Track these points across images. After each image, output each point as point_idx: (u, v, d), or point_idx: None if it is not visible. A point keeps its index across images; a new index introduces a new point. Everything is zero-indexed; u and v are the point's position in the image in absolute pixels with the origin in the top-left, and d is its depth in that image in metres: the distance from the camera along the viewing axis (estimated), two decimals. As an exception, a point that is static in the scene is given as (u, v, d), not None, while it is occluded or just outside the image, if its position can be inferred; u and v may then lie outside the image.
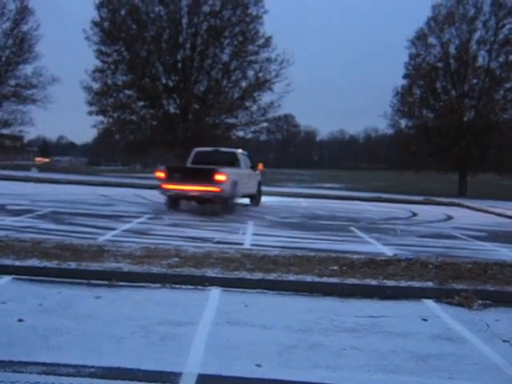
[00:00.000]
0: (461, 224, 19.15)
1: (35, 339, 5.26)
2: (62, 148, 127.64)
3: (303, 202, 24.20)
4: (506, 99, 41.17)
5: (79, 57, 51.21)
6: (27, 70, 46.10)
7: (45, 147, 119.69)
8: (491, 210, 25.23)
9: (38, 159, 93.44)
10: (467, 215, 23.59)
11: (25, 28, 45.08)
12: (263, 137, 59.75)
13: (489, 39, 40.61)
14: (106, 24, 42.52)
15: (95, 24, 42.32)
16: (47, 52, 50.37)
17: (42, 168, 61.76)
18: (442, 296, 7.59)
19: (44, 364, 4.64)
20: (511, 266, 9.41)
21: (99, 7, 42.19)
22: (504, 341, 5.94)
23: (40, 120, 72.62)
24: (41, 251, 8.86)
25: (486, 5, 40.38)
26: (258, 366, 4.86)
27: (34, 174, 45.34)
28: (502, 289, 7.91)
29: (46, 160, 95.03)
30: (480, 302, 7.44)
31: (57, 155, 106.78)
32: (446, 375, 4.87)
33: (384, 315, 6.70)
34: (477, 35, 40.87)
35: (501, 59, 40.71)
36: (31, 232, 11.91)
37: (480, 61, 41.43)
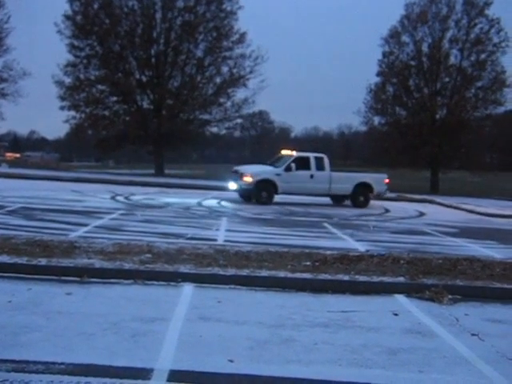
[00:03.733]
0: (432, 220, 19.38)
1: (4, 336, 5.19)
2: (34, 143, 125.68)
3: (277, 197, 24.23)
4: (477, 97, 41.73)
5: (51, 51, 50.54)
6: (-3, 63, 45.22)
7: (15, 142, 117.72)
8: (462, 206, 25.57)
9: (9, 154, 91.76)
10: (439, 211, 23.89)
11: (-5, 21, 44.18)
12: (237, 133, 59.87)
13: (461, 38, 41.12)
14: (78, 18, 42.02)
15: (67, 17, 41.79)
16: (18, 45, 49.39)
17: (13, 163, 60.76)
18: (413, 291, 7.68)
19: (13, 361, 4.58)
20: (481, 262, 9.57)
21: (71, 0, 41.66)
22: (473, 334, 6.04)
23: (11, 114, 71.43)
24: (11, 247, 8.72)
25: (458, 4, 40.91)
26: (231, 361, 4.87)
27: (3, 169, 44.58)
28: (472, 284, 8.05)
29: (17, 155, 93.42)
30: (450, 296, 7.56)
31: (28, 150, 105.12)
32: (416, 369, 4.93)
33: (356, 310, 6.76)
34: (449, 34, 41.41)
35: (472, 58, 41.26)
36: (1, 228, 11.71)
37: (452, 59, 41.99)
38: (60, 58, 42.73)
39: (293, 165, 22.17)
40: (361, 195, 22.97)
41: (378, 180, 23.41)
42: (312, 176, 22.26)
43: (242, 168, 23.14)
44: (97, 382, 4.26)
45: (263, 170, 22.70)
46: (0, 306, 6.15)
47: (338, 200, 23.68)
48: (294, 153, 23.12)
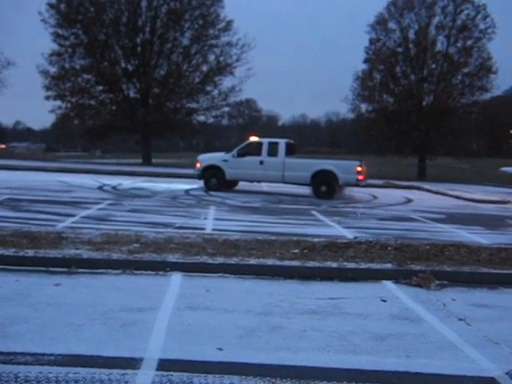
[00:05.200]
0: (420, 207, 19.49)
1: (-8, 328, 5.16)
2: (19, 134, 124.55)
3: (264, 186, 24.24)
4: (464, 84, 41.86)
5: (36, 40, 50.01)
6: (-20, 53, 44.70)
7: (1, 133, 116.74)
8: (449, 192, 25.74)
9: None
10: (426, 198, 24.03)
11: (-23, 10, 43.64)
12: (225, 121, 59.71)
13: (447, 25, 41.16)
14: (62, 6, 41.59)
15: (51, 6, 41.37)
16: (1, 35, 48.84)
17: (-2, 154, 60.23)
18: (400, 277, 7.73)
19: (1, 353, 4.56)
20: (467, 247, 9.64)
21: (55, -11, 41.20)
22: (460, 319, 6.09)
23: (-5, 105, 70.58)
24: (-3, 239, 8.67)
25: (444, -10, 40.88)
26: (220, 349, 4.88)
27: (-11, 160, 44.21)
28: (459, 269, 8.11)
29: (2, 146, 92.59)
30: (437, 282, 7.62)
31: (13, 141, 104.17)
32: (403, 354, 4.97)
33: (344, 297, 6.80)
34: (435, 20, 41.42)
35: (459, 44, 41.34)
36: (-13, 220, 11.63)
37: (439, 46, 42.02)
38: (44, 48, 42.35)
39: (243, 151, 21.71)
40: (322, 184, 20.71)
41: (345, 167, 20.69)
42: (262, 162, 21.20)
43: (199, 156, 23.29)
44: (86, 373, 4.25)
45: (211, 157, 22.77)
46: (-13, 298, 6.12)
47: (319, 192, 20.95)
48: (257, 139, 22.35)
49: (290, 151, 21.93)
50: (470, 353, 5.07)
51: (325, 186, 20.70)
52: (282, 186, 23.04)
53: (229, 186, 22.64)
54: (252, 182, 22.60)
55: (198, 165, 22.32)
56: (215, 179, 21.89)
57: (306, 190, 21.67)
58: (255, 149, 21.64)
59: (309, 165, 21.07)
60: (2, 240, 8.63)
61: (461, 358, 4.96)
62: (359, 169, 20.50)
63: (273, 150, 21.28)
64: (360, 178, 20.56)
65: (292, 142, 23.13)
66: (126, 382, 4.15)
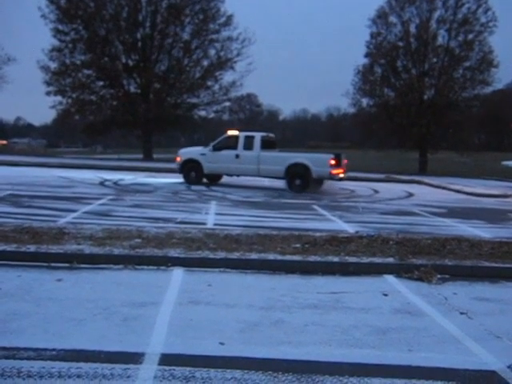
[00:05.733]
0: (421, 201, 19.48)
1: (-6, 324, 5.18)
2: (20, 130, 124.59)
3: (266, 181, 24.22)
4: (465, 78, 41.74)
5: (36, 36, 49.93)
6: (-19, 49, 44.65)
7: (1, 129, 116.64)
8: (450, 186, 25.72)
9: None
10: (427, 192, 24.01)
11: (-23, 6, 43.56)
12: (226, 116, 59.64)
13: (448, 18, 41.02)
14: (62, 1, 41.50)
15: (51, 1, 41.26)
16: (1, 31, 48.80)
17: None
18: (402, 271, 7.74)
19: (4, 348, 4.57)
20: (469, 241, 9.64)
21: (55, -16, 41.09)
22: (461, 313, 6.10)
23: (-4, 101, 70.63)
24: (-1, 235, 8.68)
25: (445, -17, 40.74)
26: (222, 344, 4.89)
27: (-10, 156, 44.23)
28: (460, 263, 8.11)
29: (3, 142, 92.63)
30: (439, 276, 7.62)
31: (14, 137, 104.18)
32: (405, 348, 4.98)
33: (346, 291, 6.80)
34: (437, 14, 41.26)
35: (460, 38, 41.19)
36: (-11, 215, 11.64)
37: (440, 40, 41.88)
38: (45, 43, 42.29)
39: (220, 144, 21.77)
40: (296, 178, 20.46)
41: (318, 161, 20.32)
42: (237, 156, 21.20)
43: (180, 150, 23.49)
44: (88, 368, 4.26)
45: (191, 151, 22.89)
46: (-11, 294, 6.13)
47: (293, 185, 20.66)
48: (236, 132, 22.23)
49: (267, 145, 21.90)
50: (472, 346, 5.08)
51: (299, 180, 20.58)
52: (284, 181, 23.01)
53: (212, 179, 22.93)
54: (230, 175, 22.73)
55: (178, 159, 22.65)
56: (194, 173, 22.08)
57: (282, 184, 21.65)
58: (232, 142, 21.72)
59: (283, 158, 20.97)
60: (3, 236, 8.64)
61: (462, 351, 4.96)
62: (332, 162, 20.22)
63: (248, 144, 21.30)
64: (334, 171, 20.31)
65: (270, 135, 23.20)
66: (128, 376, 4.16)
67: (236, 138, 21.68)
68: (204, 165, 21.77)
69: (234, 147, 21.38)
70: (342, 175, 21.21)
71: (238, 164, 21.29)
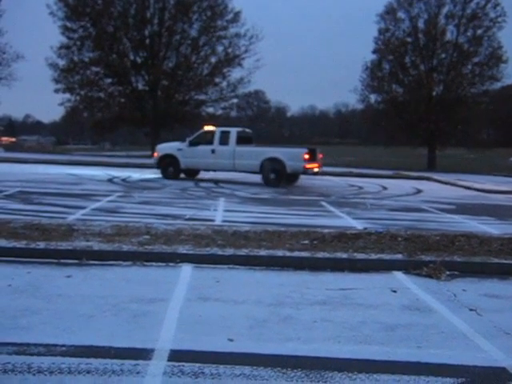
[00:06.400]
0: (430, 197, 19.42)
1: (5, 320, 5.21)
2: (29, 127, 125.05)
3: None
4: (474, 73, 41.51)
5: (44, 33, 50.09)
6: (-11, 46, 44.74)
7: (11, 126, 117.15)
8: (459, 183, 25.63)
9: (4, 139, 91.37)
10: (436, 188, 23.93)
11: (-14, 4, 43.63)
12: (233, 113, 59.51)
13: (457, 14, 40.79)
14: (70, -1, 41.53)
15: (59, -1, 41.30)
16: (10, 28, 49.00)
17: (9, 148, 60.56)
18: (411, 268, 7.72)
19: (14, 344, 4.60)
20: (478, 237, 9.60)
21: (63, -19, 41.13)
22: (471, 310, 6.08)
23: (5, 98, 71.13)
24: (9, 232, 8.73)
25: (453, -22, 40.51)
26: (231, 340, 4.90)
27: None
28: (469, 260, 8.08)
29: (13, 139, 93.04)
30: (448, 272, 7.60)
31: (23, 134, 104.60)
32: (414, 344, 4.97)
33: (354, 287, 6.79)
34: (445, 10, 41.05)
35: (469, 34, 40.96)
36: (-2, 212, 11.70)
37: (448, 35, 41.67)
38: (53, 41, 42.39)
39: (196, 140, 22.02)
40: (271, 172, 20.73)
41: (292, 155, 20.55)
42: (213, 151, 21.47)
43: (158, 145, 23.84)
44: (98, 363, 4.28)
45: (168, 146, 23.11)
46: (0, 290, 6.17)
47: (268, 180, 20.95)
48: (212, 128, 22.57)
49: (243, 140, 22.11)
50: (481, 343, 5.06)
51: (273, 174, 20.81)
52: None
53: (190, 174, 23.26)
54: (207, 170, 22.91)
55: (156, 154, 23.00)
56: (172, 168, 22.35)
57: (258, 178, 21.78)
58: (208, 138, 22.02)
59: (258, 153, 21.24)
60: (13, 232, 8.69)
61: (472, 348, 4.95)
62: (306, 156, 20.40)
63: (224, 139, 21.56)
64: (308, 165, 20.52)
65: (247, 130, 23.53)
66: (137, 372, 4.17)
67: (212, 133, 22.03)
68: (181, 160, 22.07)
69: (210, 142, 21.70)
70: (316, 169, 21.56)
71: (214, 159, 21.59)
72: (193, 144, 21.84)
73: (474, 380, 4.30)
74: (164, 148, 23.00)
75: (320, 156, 21.84)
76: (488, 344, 5.03)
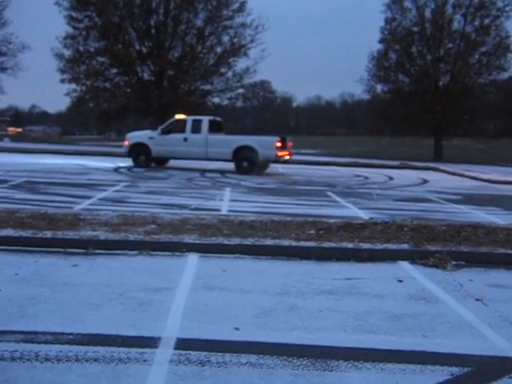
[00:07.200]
0: (436, 187, 19.37)
1: (12, 308, 5.24)
2: (35, 117, 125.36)
3: (280, 167, 24.21)
4: (481, 63, 41.21)
5: (50, 23, 50.04)
6: (-5, 37, 44.76)
7: (17, 117, 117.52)
8: (466, 173, 25.54)
9: (11, 129, 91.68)
10: (442, 179, 23.86)
11: (-9, -6, 43.60)
12: (239, 103, 59.31)
13: (464, 3, 40.41)
14: (75, -12, 41.42)
15: (65, -12, 41.19)
16: (16, 18, 48.96)
17: (15, 138, 60.71)
18: (417, 258, 7.71)
19: (22, 332, 4.63)
20: (484, 228, 9.58)
21: (68, -29, 40.99)
22: (477, 299, 6.07)
23: (11, 89, 71.25)
24: (15, 221, 8.76)
25: (461, -33, 40.13)
26: (237, 329, 4.91)
27: (6, 144, 44.59)
28: (476, 250, 8.06)
29: (19, 130, 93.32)
30: (454, 262, 7.58)
31: (30, 125, 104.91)
32: (420, 334, 4.97)
33: (360, 277, 6.79)
34: (452, -1, 40.70)
35: (476, 23, 40.60)
36: (5, 202, 11.76)
37: (455, 25, 41.29)
38: (59, 31, 42.35)
39: (168, 128, 22.19)
40: (244, 160, 21.20)
41: (264, 143, 21.00)
42: (186, 139, 21.71)
43: (128, 134, 23.90)
44: (105, 351, 4.31)
45: (139, 134, 23.19)
46: (7, 279, 6.20)
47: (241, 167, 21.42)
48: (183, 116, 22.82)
49: (214, 128, 22.36)
50: (487, 333, 5.06)
51: (246, 162, 21.23)
52: (298, 168, 22.99)
53: (160, 162, 23.47)
54: (178, 159, 22.98)
55: (126, 142, 23.07)
56: (143, 156, 22.50)
57: (231, 166, 21.97)
58: (179, 126, 22.21)
59: (230, 141, 21.64)
60: (20, 222, 8.72)
61: (477, 337, 4.95)
62: (278, 144, 20.82)
63: (196, 127, 21.84)
64: (279, 153, 20.95)
65: (218, 119, 23.72)
66: (144, 360, 4.19)
67: (184, 121, 22.26)
68: (152, 148, 22.24)
69: (182, 131, 21.89)
70: (287, 157, 21.98)
71: (187, 147, 21.83)
72: (165, 132, 22.06)
73: (479, 369, 4.30)
74: (135, 136, 23.09)
75: (290, 144, 22.28)
76: (494, 334, 5.03)
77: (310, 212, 11.88)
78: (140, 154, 22.55)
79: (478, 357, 4.51)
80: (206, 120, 22.06)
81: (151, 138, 22.26)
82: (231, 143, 21.39)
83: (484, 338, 4.92)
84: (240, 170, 21.28)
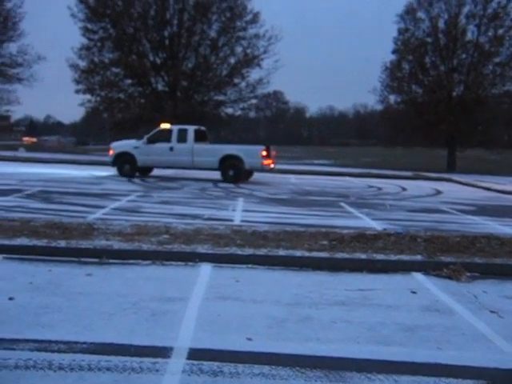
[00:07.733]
0: (450, 198, 19.26)
1: (26, 317, 5.27)
2: (50, 127, 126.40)
3: (293, 178, 24.20)
4: (495, 74, 41.05)
5: (65, 34, 50.60)
6: (12, 48, 45.26)
7: (32, 127, 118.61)
8: (479, 184, 25.38)
9: (26, 139, 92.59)
10: (456, 190, 23.73)
11: (8, 5, 44.15)
12: (252, 114, 59.55)
13: (478, 13, 40.34)
14: (90, 0, 41.88)
15: (80, 1, 41.66)
16: (32, 30, 49.59)
17: (30, 148, 61.28)
18: (430, 269, 7.66)
19: (36, 341, 4.65)
20: (499, 239, 9.50)
21: (83, -16, 41.48)
22: (491, 311, 6.02)
23: (27, 99, 71.81)
24: (30, 230, 8.83)
25: (474, -22, 40.09)
26: (249, 339, 4.90)
27: (21, 153, 44.99)
28: (490, 261, 8.00)
29: (34, 139, 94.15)
30: (468, 274, 7.52)
31: (44, 135, 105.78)
32: (434, 346, 4.93)
33: (373, 288, 6.76)
34: (466, 9, 40.58)
35: (490, 33, 40.48)
36: (20, 211, 11.84)
37: (469, 35, 41.17)
38: (74, 42, 42.80)
39: (153, 137, 22.26)
40: (230, 169, 21.47)
41: (250, 152, 21.44)
42: (172, 148, 21.84)
43: (112, 143, 23.91)
44: (118, 361, 4.32)
45: (124, 144, 23.24)
46: (22, 287, 6.24)
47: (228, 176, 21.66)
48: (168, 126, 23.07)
49: (200, 138, 22.55)
50: (502, 345, 5.01)
51: (232, 171, 21.50)
52: (311, 178, 22.96)
53: (143, 172, 23.52)
54: (164, 168, 23.19)
55: (111, 152, 23.06)
56: (128, 166, 22.50)
57: (217, 176, 22.15)
58: (165, 135, 22.37)
59: (216, 150, 21.92)
60: (34, 231, 8.78)
61: (492, 350, 4.90)
62: (264, 153, 21.24)
63: (182, 137, 22.02)
64: (265, 162, 21.39)
65: (202, 128, 23.84)
66: (157, 370, 4.20)
67: (169, 131, 22.43)
68: (138, 158, 22.27)
69: (168, 140, 22.05)
70: (272, 166, 22.29)
71: (173, 156, 21.97)
72: (150, 142, 22.14)
73: (494, 382, 4.26)
74: (120, 146, 23.16)
75: (274, 153, 22.54)
76: (509, 346, 4.97)
77: (323, 223, 11.85)
78: (125, 164, 22.59)
79: (494, 370, 4.46)
80: (191, 129, 22.29)
81: (136, 147, 22.32)
82: (217, 152, 21.66)
83: (500, 351, 4.87)
84: (226, 179, 21.47)
